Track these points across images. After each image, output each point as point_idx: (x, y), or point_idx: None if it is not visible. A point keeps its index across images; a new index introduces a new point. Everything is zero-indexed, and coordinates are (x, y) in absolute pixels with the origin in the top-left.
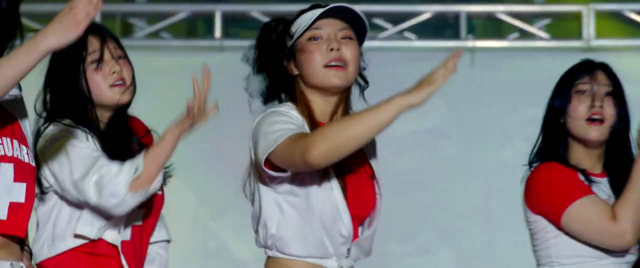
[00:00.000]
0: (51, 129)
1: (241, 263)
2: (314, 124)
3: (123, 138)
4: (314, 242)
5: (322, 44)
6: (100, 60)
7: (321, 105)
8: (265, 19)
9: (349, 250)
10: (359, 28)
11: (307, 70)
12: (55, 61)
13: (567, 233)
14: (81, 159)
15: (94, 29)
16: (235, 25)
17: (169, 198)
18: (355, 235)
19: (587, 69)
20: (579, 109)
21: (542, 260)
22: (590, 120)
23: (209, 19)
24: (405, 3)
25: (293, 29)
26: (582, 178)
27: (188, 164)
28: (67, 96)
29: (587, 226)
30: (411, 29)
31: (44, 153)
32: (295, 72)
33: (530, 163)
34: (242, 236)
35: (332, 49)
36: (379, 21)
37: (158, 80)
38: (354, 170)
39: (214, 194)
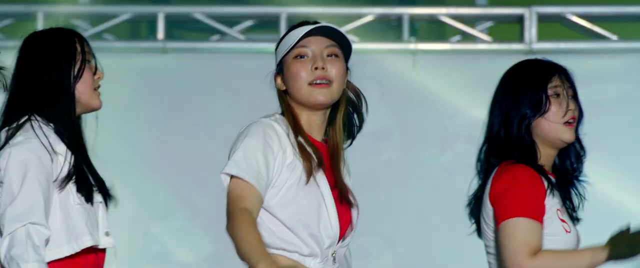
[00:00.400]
0: (18, 139)
1: (183, 267)
2: (300, 134)
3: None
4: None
5: (308, 63)
6: (88, 62)
7: (308, 119)
8: (208, 21)
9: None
10: (345, 44)
11: (293, 87)
12: (39, 55)
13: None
14: (31, 194)
15: (76, 33)
16: (178, 27)
17: None
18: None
19: (555, 70)
20: (559, 112)
21: (490, 250)
22: (567, 122)
23: (151, 20)
24: (348, 5)
25: (281, 46)
26: (545, 183)
27: (129, 167)
28: (50, 91)
29: (509, 243)
30: (354, 31)
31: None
32: (283, 87)
33: (489, 161)
34: (183, 239)
35: (316, 68)
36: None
37: (101, 81)
38: (340, 186)
39: (156, 197)
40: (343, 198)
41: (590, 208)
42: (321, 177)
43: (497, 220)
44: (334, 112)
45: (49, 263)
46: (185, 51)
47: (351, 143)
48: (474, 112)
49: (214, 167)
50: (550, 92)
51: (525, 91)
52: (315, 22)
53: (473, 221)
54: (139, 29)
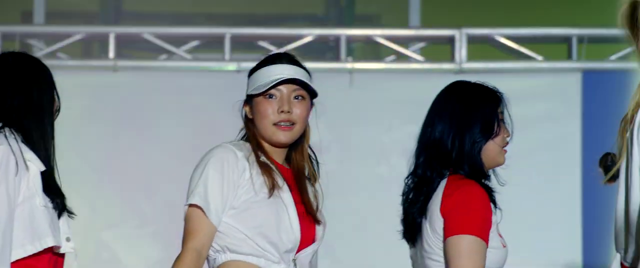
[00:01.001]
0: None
1: None
2: (264, 156)
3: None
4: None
5: (275, 104)
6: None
7: (271, 150)
8: (157, 41)
9: (294, 261)
10: (310, 87)
11: (259, 123)
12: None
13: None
14: None
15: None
16: (128, 46)
17: None
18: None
19: (501, 96)
20: (504, 138)
21: (434, 257)
22: (503, 147)
23: (103, 40)
24: (288, 27)
25: (253, 81)
26: (491, 202)
27: (82, 178)
28: (32, 105)
29: (458, 259)
30: (295, 51)
31: None
32: (250, 116)
33: (432, 170)
34: (133, 247)
35: (282, 111)
36: (263, 44)
37: None
38: (305, 203)
39: (107, 207)
40: (309, 214)
41: (512, 220)
42: (285, 192)
43: (447, 233)
44: (298, 141)
45: (12, 263)
46: (135, 69)
47: (317, 180)
48: (408, 127)
49: (162, 177)
50: (499, 117)
51: (480, 114)
52: (287, 59)
53: (404, 224)
54: (91, 49)
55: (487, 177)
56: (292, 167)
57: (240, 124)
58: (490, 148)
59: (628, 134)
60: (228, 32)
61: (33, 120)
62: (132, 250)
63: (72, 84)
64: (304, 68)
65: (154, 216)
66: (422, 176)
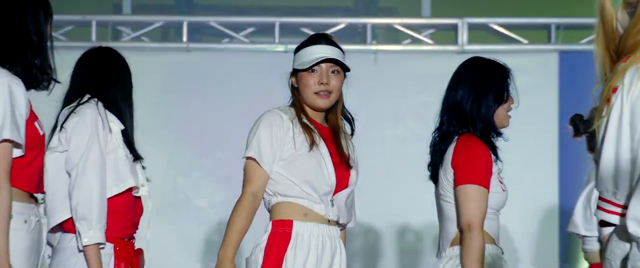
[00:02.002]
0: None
1: (200, 210)
2: (305, 118)
3: None
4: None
5: (316, 77)
6: None
7: (312, 113)
8: (221, 28)
9: (332, 201)
10: (344, 64)
11: (303, 92)
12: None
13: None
14: None
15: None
16: (198, 32)
17: (146, 161)
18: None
19: (509, 72)
20: (510, 105)
21: (447, 199)
22: (509, 113)
23: (178, 27)
24: (325, 17)
25: (299, 58)
26: (492, 155)
27: (162, 136)
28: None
29: (464, 204)
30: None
31: None
32: (296, 86)
33: (456, 131)
34: (202, 190)
35: (322, 83)
36: (305, 30)
37: (140, 75)
38: (340, 153)
39: (181, 159)
40: (343, 162)
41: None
42: (322, 147)
43: (456, 182)
44: (333, 106)
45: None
46: (203, 51)
47: (353, 133)
48: (420, 96)
49: (225, 136)
50: (508, 89)
51: (494, 84)
52: (326, 40)
53: (430, 169)
54: (168, 34)
55: (499, 134)
56: (330, 126)
57: (288, 93)
58: (499, 113)
59: (614, 99)
60: (277, 20)
61: (117, 92)
62: (201, 193)
63: (153, 62)
64: (340, 47)
65: (219, 166)
66: (445, 132)
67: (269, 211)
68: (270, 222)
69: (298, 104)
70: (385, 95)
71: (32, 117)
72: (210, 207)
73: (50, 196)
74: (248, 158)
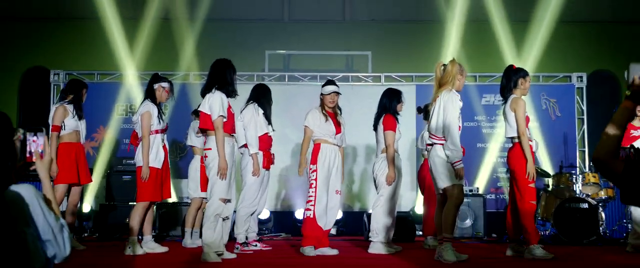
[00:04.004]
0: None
1: None
2: (325, 110)
3: None
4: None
5: (330, 98)
6: None
7: (327, 108)
8: (295, 74)
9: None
10: (340, 93)
11: (325, 103)
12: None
13: None
14: None
15: None
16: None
17: None
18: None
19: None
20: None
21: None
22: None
23: None
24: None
25: (323, 90)
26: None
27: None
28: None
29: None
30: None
31: None
32: (321, 97)
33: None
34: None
35: (332, 101)
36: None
37: None
38: (335, 123)
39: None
40: (338, 124)
41: None
42: (330, 121)
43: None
44: (335, 108)
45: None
46: (285, 82)
47: (341, 114)
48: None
49: (297, 121)
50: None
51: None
52: (334, 84)
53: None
54: None
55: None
56: (334, 113)
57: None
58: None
59: (438, 100)
60: (318, 74)
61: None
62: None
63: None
64: (337, 85)
65: (292, 136)
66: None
67: (313, 142)
68: (314, 145)
69: (322, 105)
70: (357, 104)
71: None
72: None
73: (240, 137)
74: (306, 126)
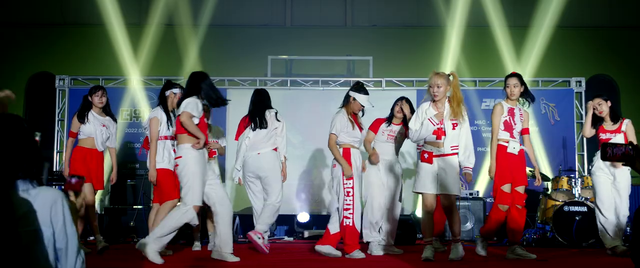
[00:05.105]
0: None
1: None
2: (351, 114)
3: None
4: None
5: (360, 106)
6: None
7: (352, 113)
8: (298, 79)
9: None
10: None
11: (350, 107)
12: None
13: None
14: None
15: None
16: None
17: None
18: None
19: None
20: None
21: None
22: None
23: None
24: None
25: (354, 93)
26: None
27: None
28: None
29: None
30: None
31: None
32: (349, 102)
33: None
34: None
35: (360, 108)
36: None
37: None
38: (357, 124)
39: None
40: (359, 128)
41: None
42: (354, 124)
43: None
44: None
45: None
46: (290, 88)
47: (363, 115)
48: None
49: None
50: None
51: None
52: (367, 93)
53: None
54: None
55: None
56: (356, 118)
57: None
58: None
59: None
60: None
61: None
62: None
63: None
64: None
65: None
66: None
67: (341, 146)
68: (342, 150)
69: (348, 108)
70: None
71: (202, 117)
72: None
73: None
74: (331, 133)
